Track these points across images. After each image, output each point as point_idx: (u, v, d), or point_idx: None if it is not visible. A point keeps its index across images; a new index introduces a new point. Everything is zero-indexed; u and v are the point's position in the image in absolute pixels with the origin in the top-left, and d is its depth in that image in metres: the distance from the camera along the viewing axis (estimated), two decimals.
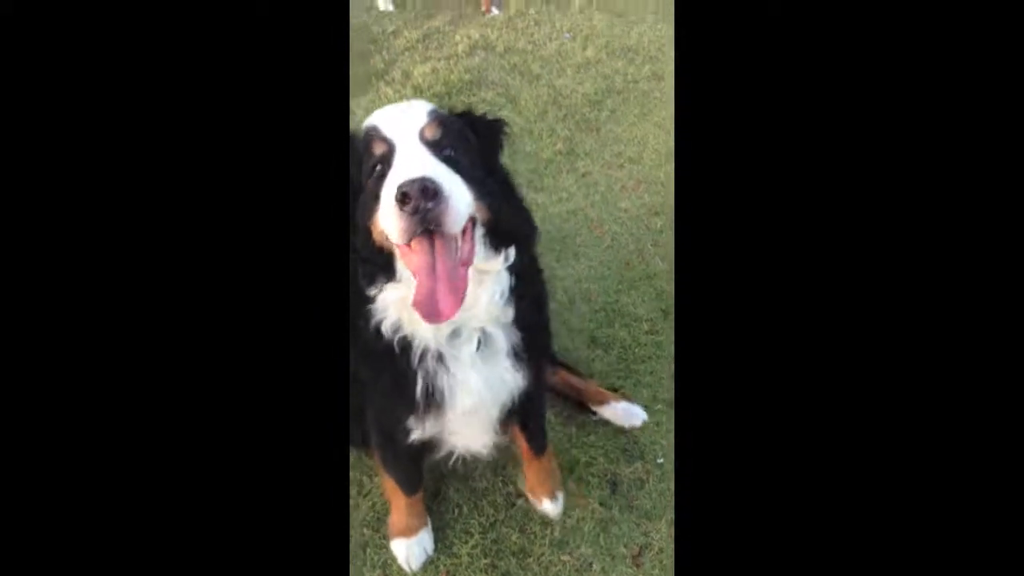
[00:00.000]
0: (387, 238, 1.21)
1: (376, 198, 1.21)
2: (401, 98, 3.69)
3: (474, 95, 3.83)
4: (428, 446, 1.61)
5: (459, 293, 1.18)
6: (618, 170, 3.29)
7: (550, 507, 1.88)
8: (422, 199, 1.10)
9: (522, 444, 1.84)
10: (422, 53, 4.32)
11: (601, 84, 3.97)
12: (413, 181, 1.11)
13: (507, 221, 1.33)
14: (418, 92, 3.73)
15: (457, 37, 4.46)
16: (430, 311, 1.17)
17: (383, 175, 1.21)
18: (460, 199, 1.17)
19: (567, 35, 4.55)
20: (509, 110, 3.74)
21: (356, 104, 3.65)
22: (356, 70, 4.02)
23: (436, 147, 1.24)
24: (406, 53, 4.32)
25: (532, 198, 3.10)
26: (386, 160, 1.22)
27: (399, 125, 1.25)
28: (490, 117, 1.44)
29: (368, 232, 1.25)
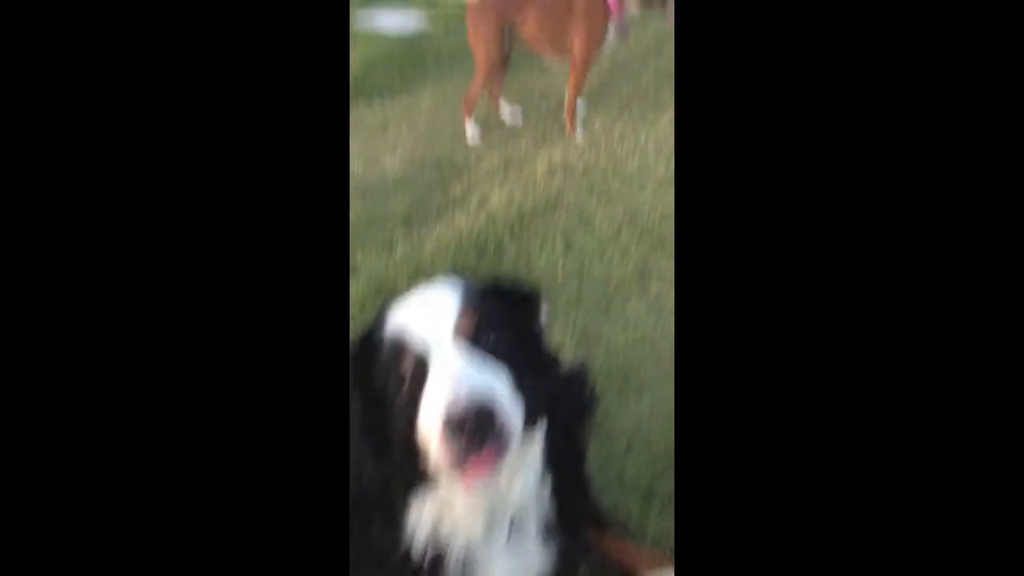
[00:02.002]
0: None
1: (415, 411, 1.11)
2: (473, 226, 3.73)
3: (548, 219, 3.81)
4: None
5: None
6: None
7: None
8: (478, 432, 1.00)
9: None
10: (502, 176, 4.39)
11: None
12: (467, 410, 1.00)
13: (543, 397, 1.21)
14: (491, 221, 3.75)
15: (538, 160, 4.51)
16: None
17: (420, 385, 1.11)
18: (515, 413, 1.07)
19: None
20: (582, 232, 3.67)
21: (426, 234, 3.72)
22: (433, 199, 4.14)
23: (475, 340, 1.14)
24: (486, 177, 4.40)
25: (596, 329, 2.96)
26: (421, 368, 1.12)
27: (429, 323, 1.15)
28: (524, 291, 1.33)
29: (407, 444, 1.14)
